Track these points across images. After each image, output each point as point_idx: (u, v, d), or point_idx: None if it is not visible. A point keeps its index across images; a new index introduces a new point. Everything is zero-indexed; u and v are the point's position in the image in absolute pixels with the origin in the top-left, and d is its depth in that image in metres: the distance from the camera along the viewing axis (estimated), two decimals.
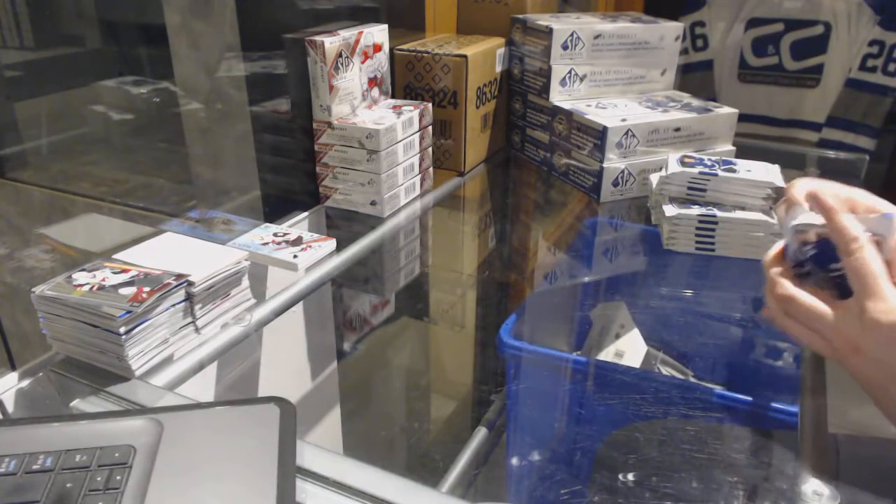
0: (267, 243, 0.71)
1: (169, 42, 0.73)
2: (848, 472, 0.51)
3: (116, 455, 0.40)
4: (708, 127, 0.94)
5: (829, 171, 1.12)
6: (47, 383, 0.54)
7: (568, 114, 0.96)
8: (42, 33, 0.64)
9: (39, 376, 0.55)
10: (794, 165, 1.12)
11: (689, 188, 0.81)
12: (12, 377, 0.54)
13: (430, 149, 0.94)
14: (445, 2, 1.10)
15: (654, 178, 0.85)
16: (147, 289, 0.52)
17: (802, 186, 0.52)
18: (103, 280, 0.53)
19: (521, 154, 1.12)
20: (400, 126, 0.84)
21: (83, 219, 0.70)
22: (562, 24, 0.97)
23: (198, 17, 0.74)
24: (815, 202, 0.49)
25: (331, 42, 0.79)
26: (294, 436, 0.43)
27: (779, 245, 0.52)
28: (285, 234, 0.73)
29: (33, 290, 0.52)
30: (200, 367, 0.57)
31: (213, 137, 0.80)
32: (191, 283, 0.55)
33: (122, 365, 0.51)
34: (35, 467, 0.39)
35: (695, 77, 1.56)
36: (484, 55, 0.99)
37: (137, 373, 0.52)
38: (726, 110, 0.95)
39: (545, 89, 1.00)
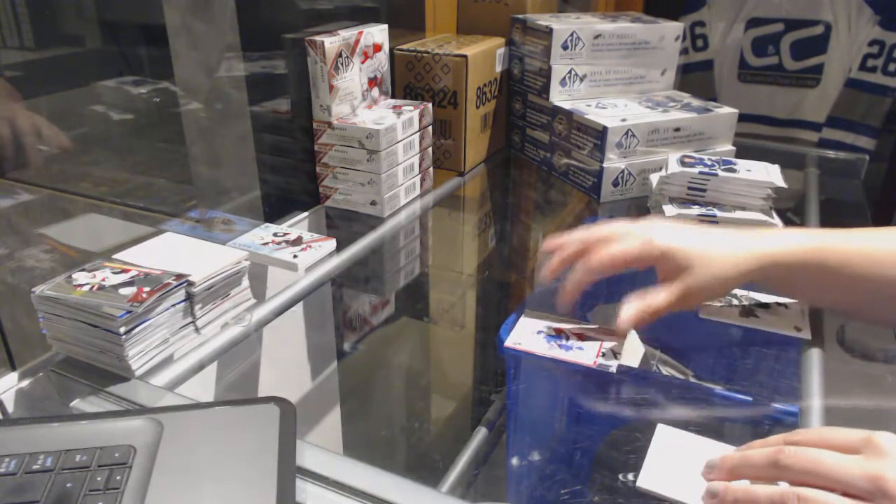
0: (267, 243, 0.71)
1: (169, 42, 0.73)
2: None
3: (116, 455, 0.40)
4: (708, 127, 0.94)
5: (830, 171, 1.12)
6: (47, 383, 0.54)
7: (568, 114, 0.96)
8: (42, 33, 0.64)
9: (39, 376, 0.55)
10: (794, 165, 1.12)
11: (689, 188, 0.81)
12: (12, 377, 0.55)
13: (430, 149, 0.94)
14: (445, 2, 1.10)
15: (654, 178, 0.85)
16: (147, 289, 0.52)
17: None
18: (103, 280, 0.53)
19: (521, 154, 1.12)
20: (400, 126, 0.84)
21: (83, 219, 0.70)
22: (562, 24, 0.97)
23: (198, 17, 0.74)
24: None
25: (331, 42, 0.79)
26: (294, 436, 0.43)
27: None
28: (285, 234, 0.73)
29: (33, 290, 0.52)
30: (200, 367, 0.57)
31: (213, 137, 0.80)
32: (191, 283, 0.55)
33: (122, 365, 0.51)
34: (35, 467, 0.39)
35: (695, 77, 1.56)
36: (484, 55, 0.99)
37: (137, 373, 0.52)
38: (726, 110, 0.95)
39: (545, 89, 1.00)
